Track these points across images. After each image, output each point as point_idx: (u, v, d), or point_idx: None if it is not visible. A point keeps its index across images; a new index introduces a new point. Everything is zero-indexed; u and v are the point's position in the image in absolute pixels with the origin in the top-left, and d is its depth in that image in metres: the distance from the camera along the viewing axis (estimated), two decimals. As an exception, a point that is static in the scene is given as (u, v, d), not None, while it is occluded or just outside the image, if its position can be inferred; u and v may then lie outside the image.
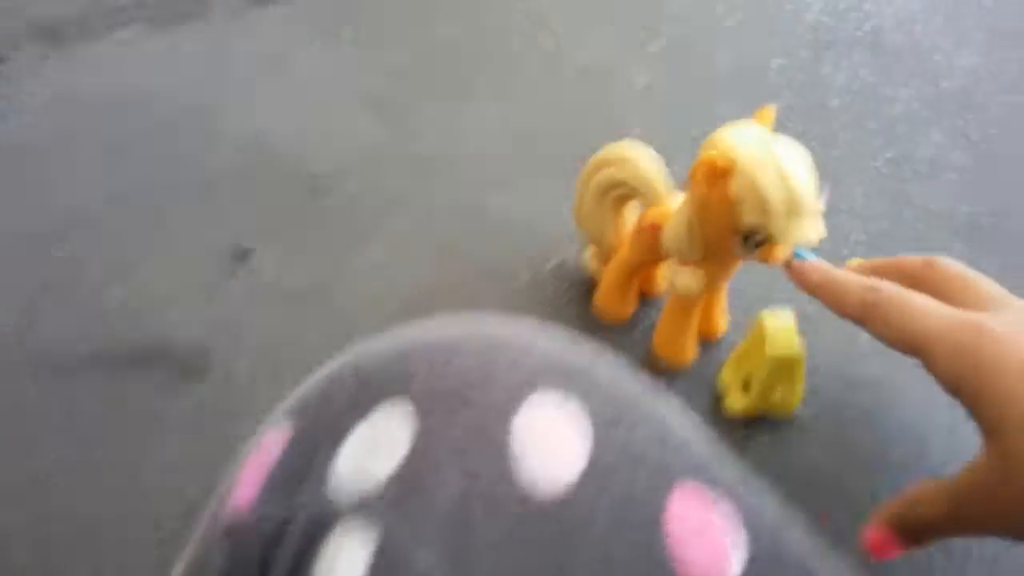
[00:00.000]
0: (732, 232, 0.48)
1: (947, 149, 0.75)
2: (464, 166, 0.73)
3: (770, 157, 0.45)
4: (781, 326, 0.51)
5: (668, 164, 0.55)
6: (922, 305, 0.39)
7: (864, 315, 0.41)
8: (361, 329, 0.59)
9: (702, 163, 0.46)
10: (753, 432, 0.55)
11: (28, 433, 0.54)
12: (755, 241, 0.47)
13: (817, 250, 0.47)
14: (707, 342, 0.60)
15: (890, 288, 0.41)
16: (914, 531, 0.39)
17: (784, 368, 0.52)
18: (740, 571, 0.24)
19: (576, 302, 0.63)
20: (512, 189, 0.71)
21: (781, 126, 0.76)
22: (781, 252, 0.48)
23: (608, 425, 0.26)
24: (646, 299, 0.62)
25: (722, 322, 0.60)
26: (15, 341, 0.59)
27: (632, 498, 0.24)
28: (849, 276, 0.44)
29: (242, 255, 0.64)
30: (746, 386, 0.55)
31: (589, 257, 0.64)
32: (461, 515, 0.24)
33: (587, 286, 0.63)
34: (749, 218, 0.46)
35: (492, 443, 0.25)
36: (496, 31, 0.87)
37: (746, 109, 0.79)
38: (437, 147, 0.74)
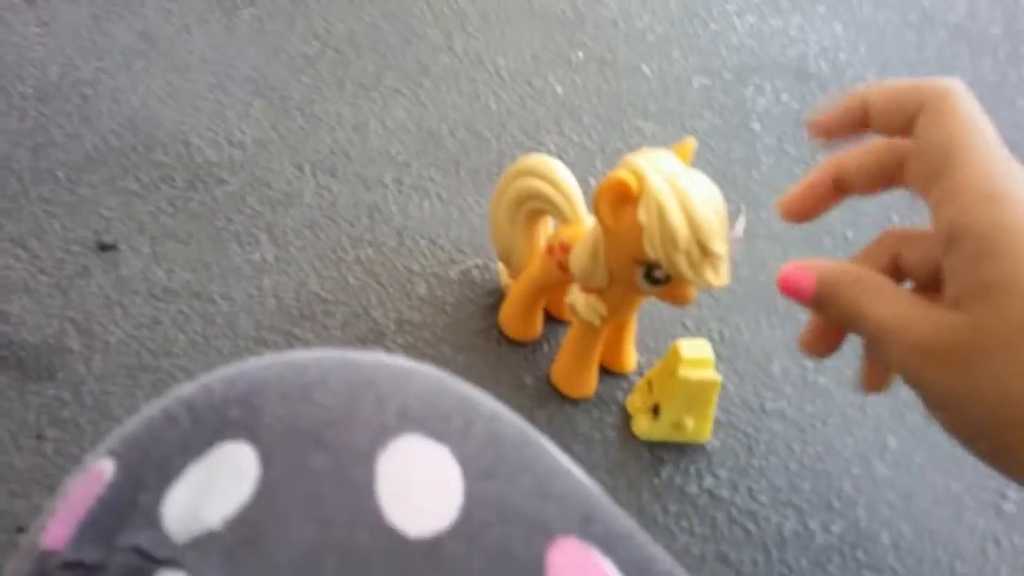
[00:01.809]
0: (634, 262, 0.45)
1: (866, 179, 0.74)
2: (364, 165, 0.67)
3: (680, 191, 0.42)
4: (697, 353, 0.49)
5: (583, 178, 0.52)
6: None
7: None
8: (238, 332, 0.54)
9: (609, 184, 0.43)
10: (661, 457, 0.51)
11: None
12: (656, 276, 0.45)
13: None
14: (612, 376, 0.56)
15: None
16: (837, 307, 0.34)
17: (698, 394, 0.50)
18: None
19: (479, 316, 0.58)
20: (415, 192, 0.65)
21: (703, 145, 0.75)
22: (685, 293, 0.45)
23: (482, 476, 0.24)
24: (557, 321, 0.58)
25: (630, 358, 0.56)
26: None
27: (507, 553, 0.22)
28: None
29: (106, 248, 0.57)
30: (655, 411, 0.51)
31: (500, 270, 0.59)
32: (311, 568, 0.21)
33: (494, 299, 0.59)
34: (651, 250, 0.43)
35: (353, 484, 0.22)
36: (411, 26, 0.82)
37: (666, 126, 0.77)
38: (336, 143, 0.68)
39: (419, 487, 0.23)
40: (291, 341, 0.54)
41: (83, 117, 0.66)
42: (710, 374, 0.49)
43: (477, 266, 0.61)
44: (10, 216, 0.58)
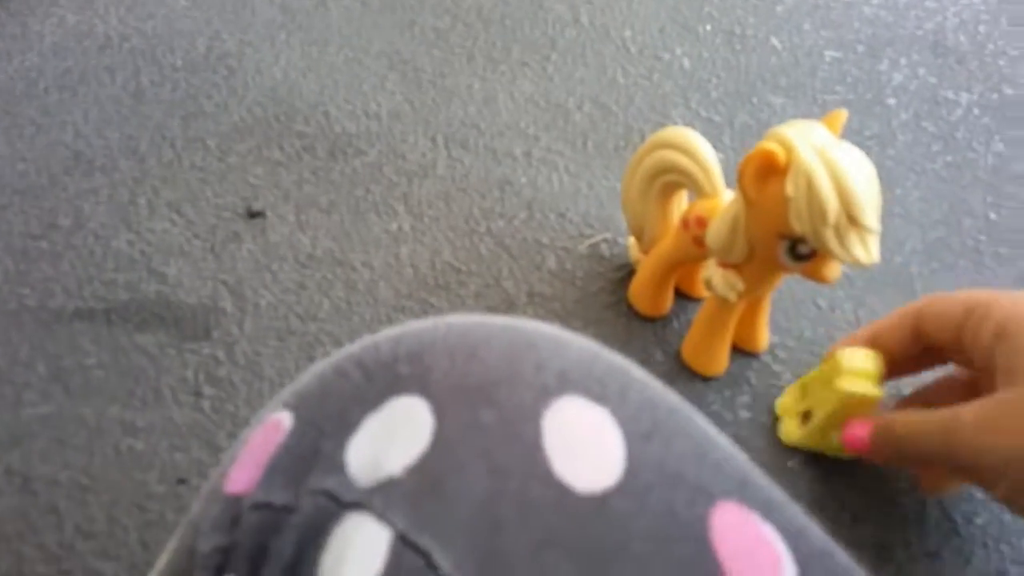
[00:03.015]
0: (778, 237, 0.44)
1: (1010, 160, 0.71)
2: (495, 138, 0.68)
3: (831, 162, 0.41)
4: (859, 364, 0.45)
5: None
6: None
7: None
8: (378, 299, 0.56)
9: (755, 155, 0.42)
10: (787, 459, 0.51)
11: (15, 383, 0.50)
12: (801, 252, 0.43)
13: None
14: (744, 355, 0.55)
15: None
16: (889, 443, 0.44)
17: (856, 408, 0.46)
18: None
19: (608, 290, 0.58)
20: (544, 165, 0.66)
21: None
22: (830, 271, 0.44)
23: (642, 439, 0.24)
24: (688, 298, 0.58)
25: (763, 337, 0.55)
26: (7, 285, 0.54)
27: (673, 514, 0.23)
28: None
29: (254, 215, 0.60)
30: (806, 417, 0.50)
31: (631, 245, 0.59)
32: (489, 514, 0.22)
33: (623, 273, 0.59)
34: (798, 224, 0.42)
35: (521, 440, 0.23)
36: (538, 0, 0.82)
37: (797, 101, 0.75)
38: (467, 116, 0.70)
39: (583, 445, 0.23)
40: (427, 309, 0.56)
41: (230, 88, 0.69)
42: (871, 388, 0.45)
43: (606, 240, 0.61)
44: (165, 182, 0.62)
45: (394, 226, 0.60)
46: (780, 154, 0.42)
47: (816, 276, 0.45)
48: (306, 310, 0.55)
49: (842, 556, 0.25)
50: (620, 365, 0.27)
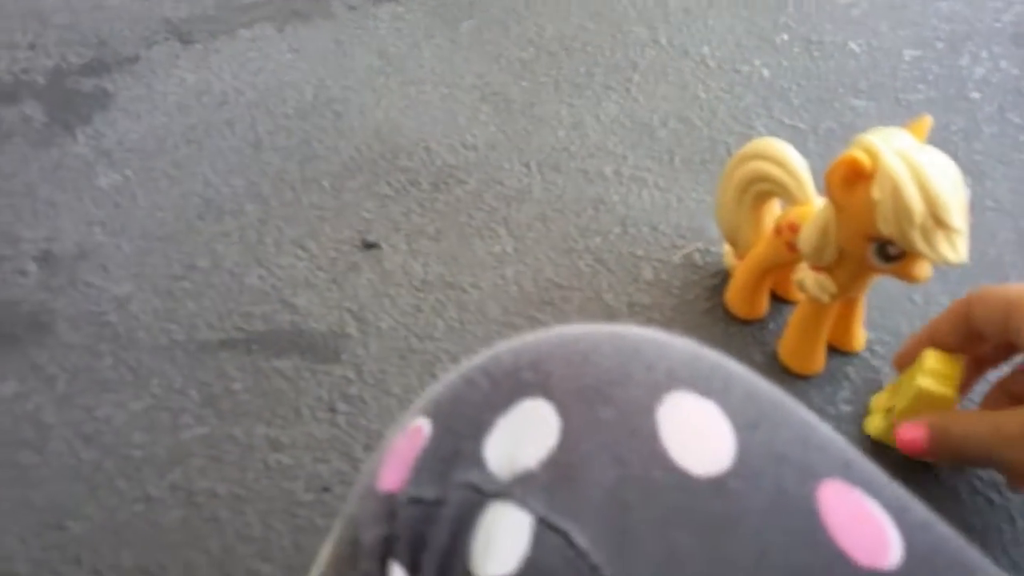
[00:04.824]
0: (867, 240, 0.46)
1: (1101, 144, 0.71)
2: (585, 160, 0.72)
3: (915, 166, 0.43)
4: (942, 365, 0.47)
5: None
6: None
7: None
8: (488, 317, 0.60)
9: (842, 162, 0.45)
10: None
11: (173, 409, 0.56)
12: (890, 253, 0.45)
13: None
14: (842, 354, 0.57)
15: None
16: (944, 445, 0.44)
17: (930, 406, 0.47)
18: (899, 559, 0.25)
19: (704, 297, 0.61)
20: (634, 183, 0.69)
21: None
22: (920, 270, 0.46)
23: (749, 427, 0.26)
24: (783, 301, 0.60)
25: (859, 337, 0.57)
26: (157, 323, 0.61)
27: (784, 491, 0.25)
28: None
29: (370, 246, 0.65)
30: (889, 413, 0.51)
31: (726, 252, 0.62)
32: (617, 498, 0.24)
33: (718, 280, 0.62)
34: (885, 226, 0.44)
35: (640, 433, 0.25)
36: (616, 24, 0.86)
37: (879, 102, 0.76)
38: (558, 141, 0.74)
39: (697, 435, 0.26)
40: (534, 325, 0.60)
41: (338, 131, 0.75)
42: (945, 388, 0.46)
43: (699, 250, 0.64)
44: (288, 221, 0.67)
45: (497, 248, 0.65)
46: (865, 160, 0.44)
47: (906, 276, 0.47)
48: (423, 331, 0.60)
49: (944, 527, 0.27)
50: (721, 362, 0.29)
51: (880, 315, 0.59)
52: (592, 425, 0.26)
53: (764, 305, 0.59)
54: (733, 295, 0.59)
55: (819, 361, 0.56)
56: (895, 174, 0.43)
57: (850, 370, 0.56)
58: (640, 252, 0.64)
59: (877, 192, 0.44)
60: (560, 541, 0.24)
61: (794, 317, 0.56)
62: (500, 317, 0.60)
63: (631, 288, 0.62)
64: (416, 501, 0.27)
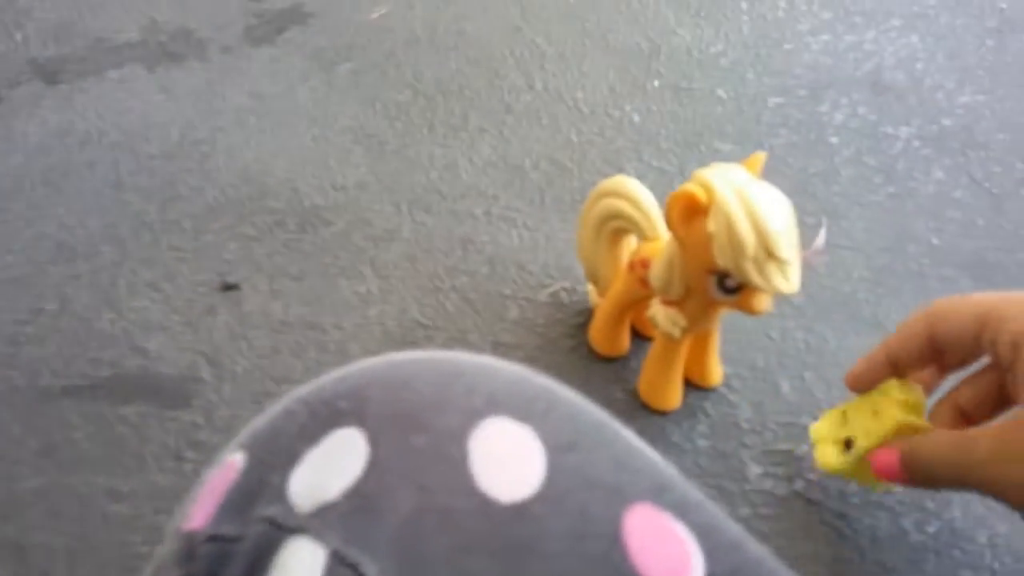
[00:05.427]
0: (707, 272, 0.47)
1: (950, 186, 0.74)
2: (456, 200, 0.72)
3: (748, 200, 0.45)
4: (907, 393, 0.46)
5: (664, 201, 0.54)
6: None
7: None
8: (349, 358, 0.58)
9: (679, 196, 0.46)
10: (751, 463, 0.53)
11: (8, 459, 0.53)
12: (728, 285, 0.47)
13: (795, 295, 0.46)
14: (700, 389, 0.58)
15: None
16: (917, 469, 0.43)
17: (906, 437, 0.45)
18: None
19: (568, 335, 0.61)
20: (504, 223, 0.70)
21: (781, 161, 0.77)
22: (759, 303, 0.47)
23: (562, 450, 0.26)
24: (645, 338, 0.61)
25: (715, 371, 0.58)
26: (1, 367, 0.58)
27: (587, 514, 0.25)
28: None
29: (229, 287, 0.63)
30: (847, 445, 0.49)
31: (590, 290, 0.62)
32: (413, 527, 0.24)
33: (583, 318, 0.62)
34: (722, 259, 0.45)
35: (449, 459, 0.25)
36: (493, 70, 0.87)
37: (743, 146, 0.79)
38: (430, 182, 0.73)
39: (506, 461, 0.26)
40: (396, 365, 0.59)
41: (204, 172, 0.73)
42: (922, 421, 0.46)
43: (565, 288, 0.64)
44: (145, 263, 0.65)
45: (362, 289, 0.64)
46: (701, 195, 0.45)
47: (747, 308, 0.48)
48: (280, 373, 0.58)
49: (754, 548, 0.27)
50: (549, 387, 0.29)
51: (737, 350, 0.60)
52: (401, 453, 0.26)
53: (625, 342, 0.60)
54: (595, 333, 0.60)
55: (676, 397, 0.56)
56: (728, 208, 0.44)
57: (707, 405, 0.57)
58: (507, 291, 0.64)
59: (712, 225, 0.45)
60: (349, 573, 0.23)
61: (650, 353, 0.56)
62: (361, 357, 0.59)
63: (496, 327, 0.61)
64: (214, 539, 0.26)
